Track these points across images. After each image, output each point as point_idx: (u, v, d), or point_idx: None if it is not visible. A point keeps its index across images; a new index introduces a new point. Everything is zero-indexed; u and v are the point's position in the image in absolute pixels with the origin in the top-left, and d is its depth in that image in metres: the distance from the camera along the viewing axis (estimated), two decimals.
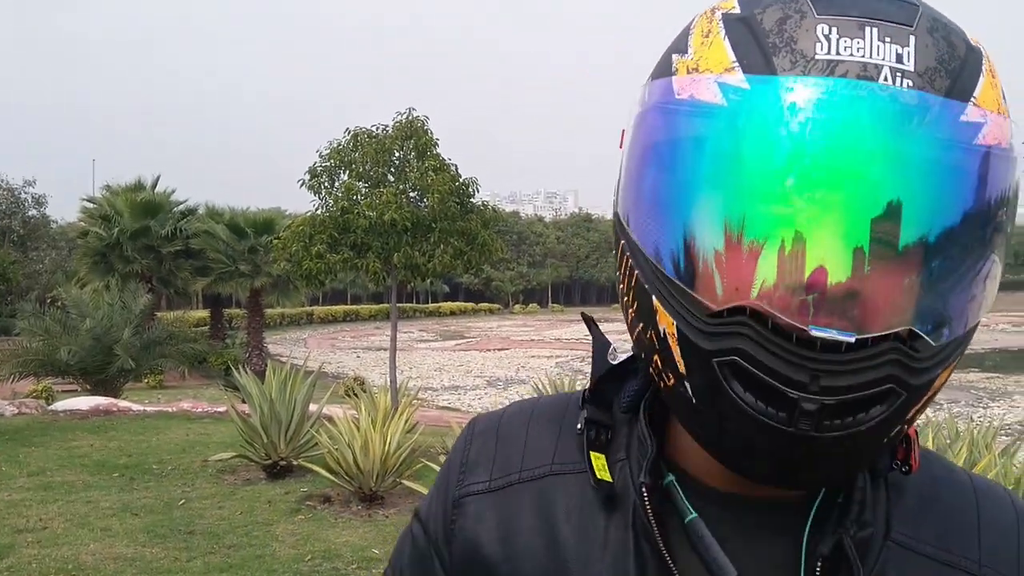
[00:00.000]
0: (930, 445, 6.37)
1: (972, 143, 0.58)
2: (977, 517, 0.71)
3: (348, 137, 14.76)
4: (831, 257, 0.56)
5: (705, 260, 0.60)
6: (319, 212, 14.53)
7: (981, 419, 14.28)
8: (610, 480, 0.72)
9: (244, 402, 8.69)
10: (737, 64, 0.59)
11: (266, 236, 22.50)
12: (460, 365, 32.69)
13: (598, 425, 0.74)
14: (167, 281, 26.97)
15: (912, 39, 0.58)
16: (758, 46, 0.59)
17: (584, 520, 0.72)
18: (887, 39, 0.58)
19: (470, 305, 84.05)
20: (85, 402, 12.97)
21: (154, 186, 27.93)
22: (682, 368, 0.63)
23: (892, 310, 0.58)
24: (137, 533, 6.33)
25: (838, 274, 0.56)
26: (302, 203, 19.61)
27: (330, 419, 7.99)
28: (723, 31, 0.62)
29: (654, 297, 0.64)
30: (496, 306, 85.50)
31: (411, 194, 14.72)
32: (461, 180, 14.61)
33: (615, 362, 0.76)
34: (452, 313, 77.78)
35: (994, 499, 0.73)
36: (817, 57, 0.57)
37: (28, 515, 6.75)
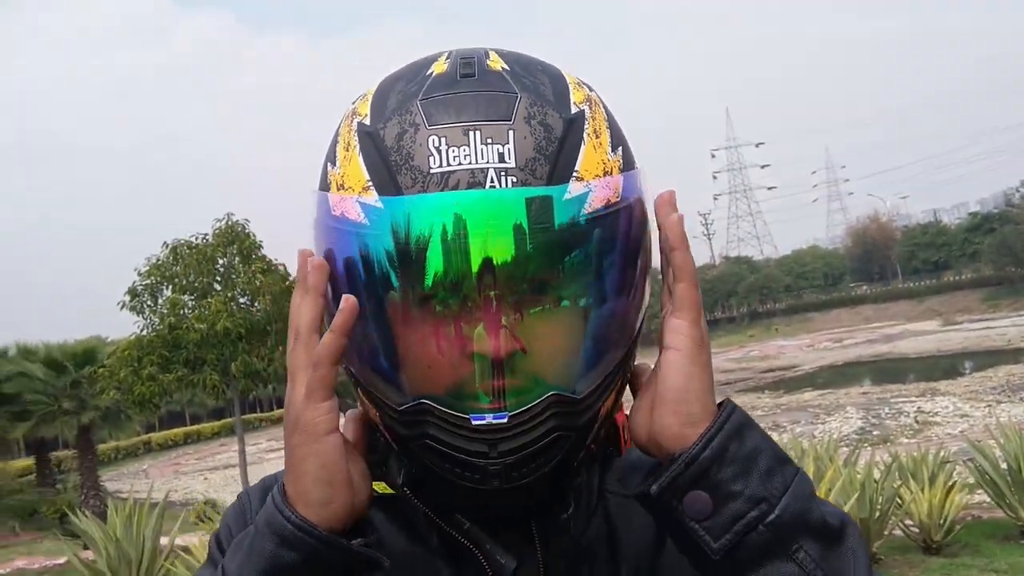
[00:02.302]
0: None
1: (580, 215, 0.67)
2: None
3: (167, 251, 14.25)
4: (478, 349, 0.67)
5: (388, 363, 0.71)
6: (145, 333, 13.87)
7: (821, 434, 15.11)
8: (392, 492, 0.80)
9: (87, 548, 8.02)
10: (371, 184, 0.68)
11: (89, 367, 21.08)
12: None
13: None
14: None
15: (511, 134, 0.67)
16: (384, 165, 0.68)
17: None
18: (489, 140, 0.66)
19: None
20: None
21: None
22: (394, 445, 0.75)
23: (536, 383, 0.70)
24: None
25: (485, 365, 0.68)
26: (124, 327, 18.64)
27: (185, 549, 7.49)
28: (358, 146, 0.71)
29: (358, 389, 0.76)
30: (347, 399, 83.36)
31: (241, 300, 14.32)
32: (292, 279, 14.33)
33: None
34: None
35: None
36: (432, 171, 0.66)
37: None
